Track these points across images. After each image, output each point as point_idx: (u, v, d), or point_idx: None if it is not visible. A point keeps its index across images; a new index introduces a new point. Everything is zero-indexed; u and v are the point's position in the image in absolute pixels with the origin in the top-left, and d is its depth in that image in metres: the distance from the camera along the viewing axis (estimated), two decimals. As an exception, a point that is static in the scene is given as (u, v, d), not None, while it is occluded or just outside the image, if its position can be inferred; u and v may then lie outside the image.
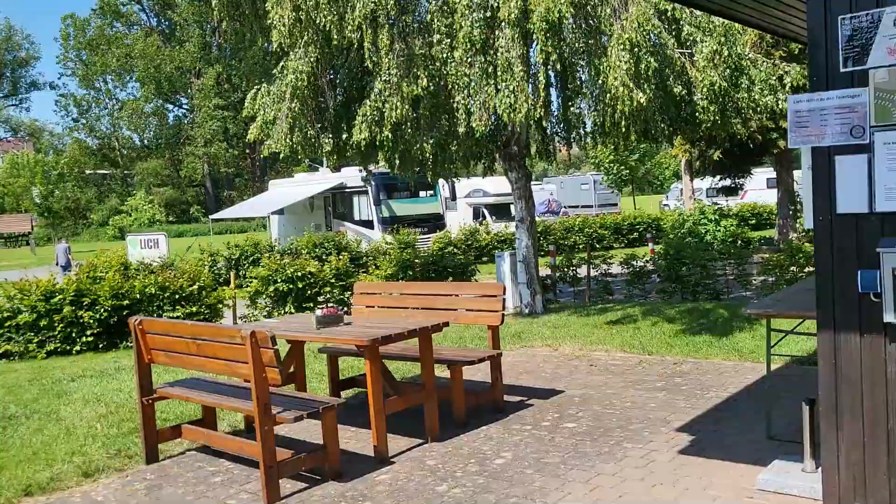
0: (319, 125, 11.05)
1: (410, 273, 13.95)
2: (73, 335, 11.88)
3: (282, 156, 11.22)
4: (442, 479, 5.17)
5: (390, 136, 9.81)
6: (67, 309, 11.75)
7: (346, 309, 13.75)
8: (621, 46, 8.14)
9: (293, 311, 13.12)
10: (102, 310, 11.99)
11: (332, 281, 13.45)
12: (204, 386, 6.13)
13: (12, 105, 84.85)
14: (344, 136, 11.09)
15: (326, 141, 10.97)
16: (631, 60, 8.10)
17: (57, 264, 24.75)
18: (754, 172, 47.59)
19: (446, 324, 6.11)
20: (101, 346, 12.11)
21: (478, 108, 9.24)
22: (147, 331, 5.83)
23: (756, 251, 16.70)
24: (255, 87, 11.34)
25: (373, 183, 25.58)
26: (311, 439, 6.09)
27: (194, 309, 12.61)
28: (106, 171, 75.87)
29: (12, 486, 5.37)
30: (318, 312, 6.09)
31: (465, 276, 14.34)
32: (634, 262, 14.22)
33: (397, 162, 10.56)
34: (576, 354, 8.85)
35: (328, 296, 13.51)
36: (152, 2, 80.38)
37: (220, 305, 13.07)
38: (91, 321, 11.88)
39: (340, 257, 14.16)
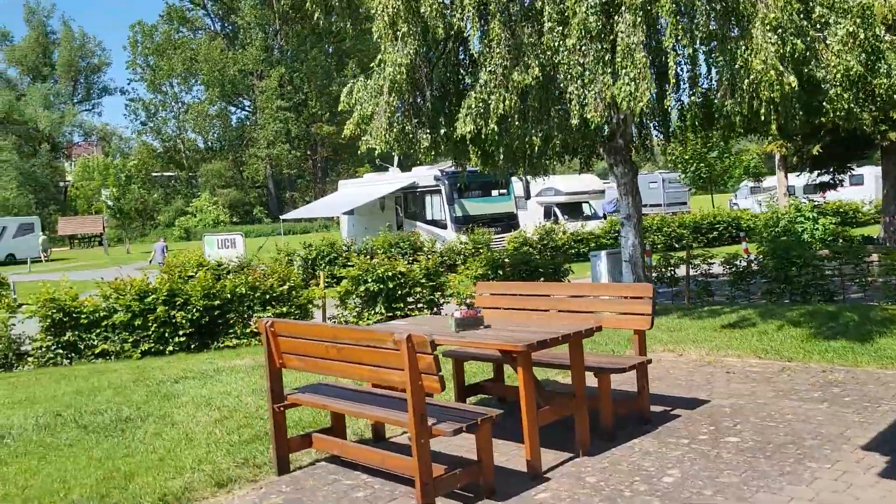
0: (416, 120, 10.65)
1: (500, 273, 13.48)
2: (167, 335, 11.74)
3: (378, 152, 10.86)
4: (609, 500, 4.68)
5: (496, 128, 9.35)
6: (161, 309, 11.61)
7: (436, 310, 13.37)
8: (767, 27, 7.52)
9: (383, 311, 12.78)
10: (195, 310, 11.83)
11: (423, 281, 13.07)
12: (335, 392, 5.75)
13: (86, 110, 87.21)
14: (442, 131, 10.69)
15: (424, 136, 10.57)
16: (778, 42, 7.49)
17: (151, 262, 24.97)
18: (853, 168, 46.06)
19: (599, 328, 5.61)
20: (192, 346, 11.95)
21: (592, 98, 8.72)
22: (279, 333, 5.47)
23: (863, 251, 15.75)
24: (352, 80, 10.98)
25: (446, 182, 25.25)
26: (446, 451, 5.66)
27: (284, 309, 12.35)
28: (172, 174, 77.36)
29: (147, 495, 5.07)
30: (457, 314, 5.63)
31: (558, 277, 13.81)
32: (738, 262, 13.51)
33: (500, 157, 10.10)
34: (705, 360, 8.25)
35: (418, 296, 13.13)
36: (216, 6, 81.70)
37: (311, 305, 12.80)
38: (184, 321, 11.72)
39: (430, 257, 13.75)
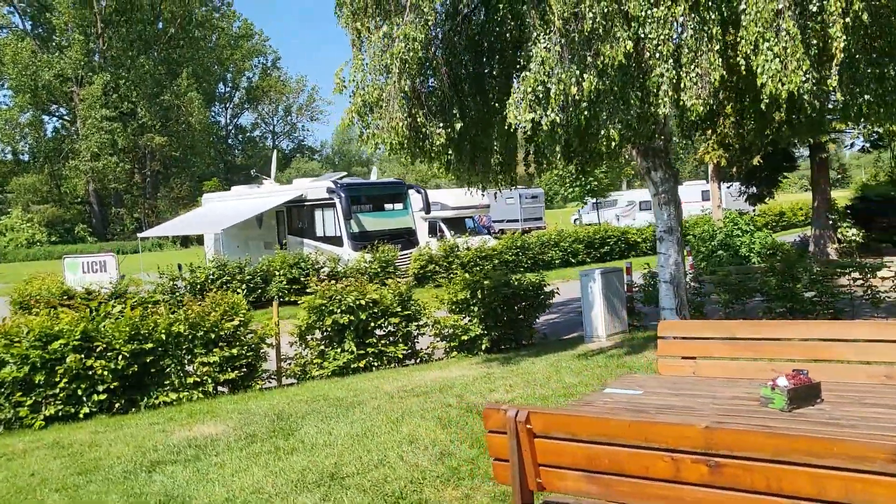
0: (424, 109, 8.54)
1: (480, 296, 11.51)
2: (80, 393, 8.79)
3: (388, 152, 8.63)
4: None
5: (557, 119, 7.44)
6: (72, 358, 8.65)
7: (411, 346, 11.19)
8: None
9: (353, 349, 10.44)
10: (119, 357, 8.95)
11: (398, 310, 10.85)
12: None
13: None
14: (458, 125, 8.62)
15: (437, 131, 8.46)
16: None
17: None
18: (691, 184, 47.79)
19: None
20: (117, 405, 9.07)
21: (691, 81, 7.05)
22: (544, 433, 3.19)
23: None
24: (348, 59, 8.65)
25: (342, 194, 22.84)
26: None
27: (234, 352, 9.70)
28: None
29: None
30: (782, 381, 3.67)
31: (540, 300, 12.01)
32: (732, 279, 12.38)
33: (557, 156, 8.18)
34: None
35: (392, 328, 10.89)
36: (25, 3, 73.40)
37: (264, 345, 10.20)
38: (104, 373, 8.82)
39: (402, 281, 11.53)
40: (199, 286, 18.12)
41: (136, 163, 72.76)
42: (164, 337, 9.29)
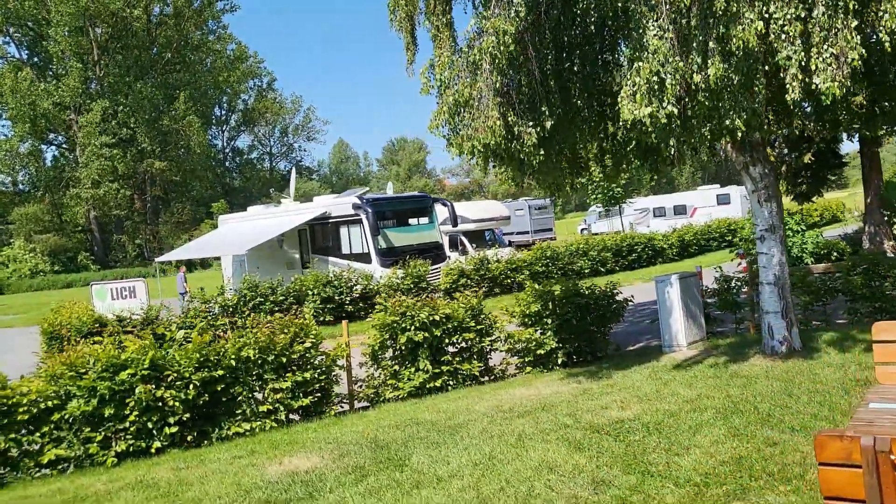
0: (514, 108, 7.98)
1: (552, 307, 10.90)
2: (151, 426, 8.14)
3: (477, 159, 8.02)
4: None
5: (674, 111, 6.87)
6: (142, 388, 8.01)
7: (484, 363, 10.56)
8: None
9: (429, 367, 9.81)
10: (189, 386, 8.31)
11: (472, 324, 10.23)
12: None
13: None
14: (547, 123, 8.05)
15: (528, 131, 7.88)
16: None
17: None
18: (705, 189, 47.16)
19: None
20: (189, 438, 8.41)
21: (825, 62, 6.49)
22: None
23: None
24: (433, 57, 8.07)
25: (368, 210, 22.22)
26: None
27: (306, 376, 9.05)
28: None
29: None
30: None
31: (613, 309, 11.40)
32: (813, 278, 11.79)
33: (672, 153, 7.60)
34: None
35: (465, 344, 10.26)
36: (22, 33, 72.95)
37: (336, 368, 9.55)
38: (175, 404, 8.17)
39: (475, 293, 10.90)
40: (230, 309, 17.48)
41: (137, 189, 72.11)
42: (233, 363, 8.66)
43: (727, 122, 6.85)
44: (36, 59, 73.78)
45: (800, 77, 6.61)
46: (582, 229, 56.10)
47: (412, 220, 23.82)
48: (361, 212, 22.25)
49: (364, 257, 22.34)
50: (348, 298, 19.35)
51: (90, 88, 69.29)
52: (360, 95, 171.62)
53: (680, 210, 44.48)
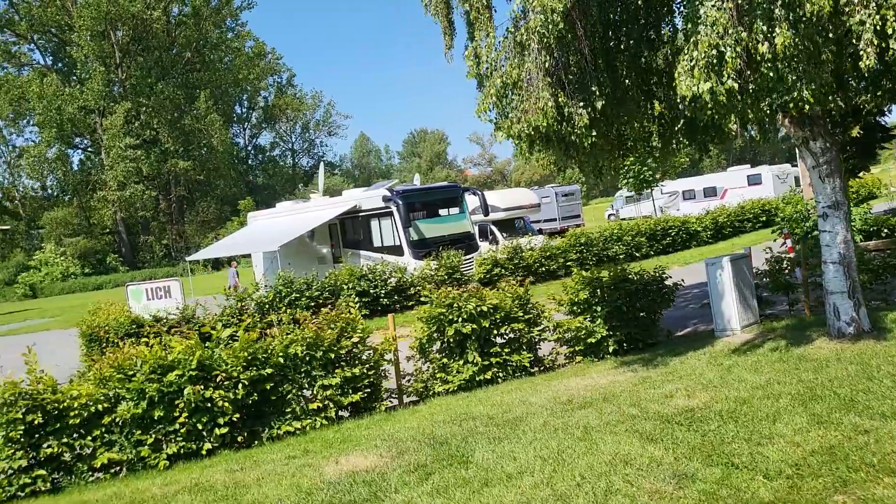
0: (564, 88, 7.68)
1: (601, 294, 10.61)
2: (200, 427, 7.98)
3: (526, 144, 7.74)
4: None
5: (736, 86, 6.54)
6: (190, 389, 7.85)
7: (534, 354, 10.30)
8: None
9: (478, 359, 9.57)
10: (238, 385, 8.14)
11: (520, 314, 9.98)
12: None
13: None
14: (598, 103, 7.75)
15: (579, 112, 7.59)
16: None
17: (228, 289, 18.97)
18: (736, 170, 46.32)
19: None
20: (239, 439, 8.25)
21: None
22: None
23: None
24: (474, 38, 7.80)
25: (399, 202, 22.01)
26: None
27: (355, 371, 8.86)
28: (6, 227, 68.08)
29: None
30: None
31: (664, 294, 11.10)
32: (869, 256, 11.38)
33: (735, 130, 7.30)
34: None
35: (514, 334, 10.00)
36: (46, 40, 73.57)
37: (384, 362, 9.35)
38: (225, 404, 8.00)
39: (520, 282, 10.63)
40: (266, 305, 17.34)
41: (161, 189, 72.51)
42: (281, 360, 8.49)
43: (794, 93, 6.52)
44: (60, 65, 74.55)
45: (875, 42, 6.26)
46: (609, 215, 55.50)
47: (443, 211, 23.56)
48: (392, 204, 22.05)
49: (396, 250, 22.15)
50: (383, 291, 19.16)
51: (113, 91, 69.71)
52: (379, 89, 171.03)
53: (710, 192, 43.82)
